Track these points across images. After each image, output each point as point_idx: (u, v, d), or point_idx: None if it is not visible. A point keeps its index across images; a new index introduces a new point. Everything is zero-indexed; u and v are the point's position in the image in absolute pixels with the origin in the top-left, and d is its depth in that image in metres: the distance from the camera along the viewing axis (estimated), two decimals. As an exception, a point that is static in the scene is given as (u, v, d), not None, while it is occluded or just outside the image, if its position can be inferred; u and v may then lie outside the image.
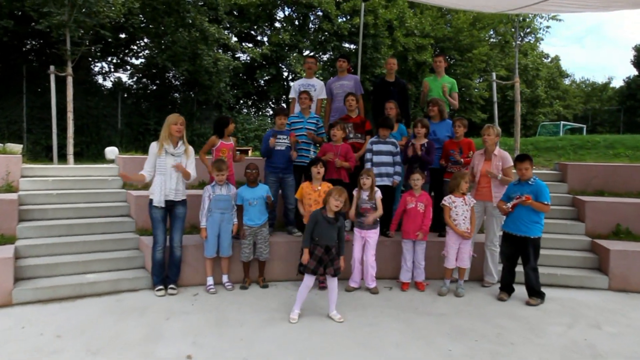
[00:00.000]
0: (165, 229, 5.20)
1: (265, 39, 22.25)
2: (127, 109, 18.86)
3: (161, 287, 5.20)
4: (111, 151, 8.13)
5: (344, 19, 21.63)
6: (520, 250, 5.10)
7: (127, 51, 19.47)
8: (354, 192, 5.51)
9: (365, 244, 5.40)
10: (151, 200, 5.09)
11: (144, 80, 20.10)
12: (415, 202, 5.46)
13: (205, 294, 5.28)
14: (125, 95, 19.28)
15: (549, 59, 38.51)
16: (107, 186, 6.98)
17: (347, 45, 23.86)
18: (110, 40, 14.57)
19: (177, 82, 21.26)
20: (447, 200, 5.44)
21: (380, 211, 5.44)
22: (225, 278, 5.52)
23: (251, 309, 4.82)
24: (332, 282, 4.61)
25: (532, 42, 32.44)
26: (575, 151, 11.11)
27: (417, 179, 5.44)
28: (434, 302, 5.13)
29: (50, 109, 10.15)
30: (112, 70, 20.25)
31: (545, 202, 4.90)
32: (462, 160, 5.99)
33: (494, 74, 11.14)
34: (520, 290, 5.25)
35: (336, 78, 7.24)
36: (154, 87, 20.52)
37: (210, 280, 5.41)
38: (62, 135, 16.45)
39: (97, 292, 5.10)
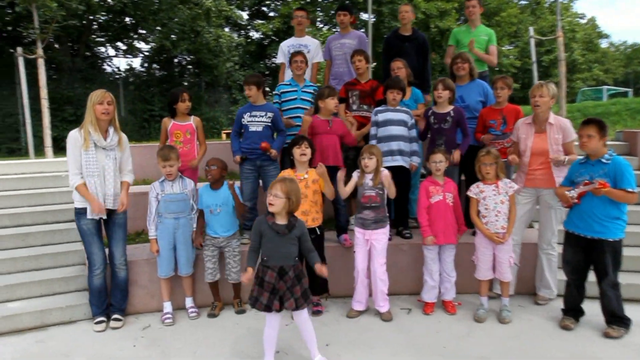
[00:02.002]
0: (102, 244, 3.89)
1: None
2: (130, 95, 17.74)
3: (102, 318, 3.91)
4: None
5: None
6: (592, 259, 3.56)
7: (134, 35, 18.25)
8: (354, 175, 4.06)
9: (371, 249, 3.95)
10: (81, 211, 3.76)
11: (146, 65, 18.95)
12: (443, 193, 3.96)
13: (160, 325, 3.97)
14: (131, 80, 18.19)
15: (585, 20, 35.55)
16: (60, 184, 5.71)
17: (363, 15, 22.04)
18: (101, 21, 13.36)
19: (183, 65, 20.10)
20: (473, 189, 3.94)
21: (392, 193, 3.98)
22: (189, 302, 4.19)
23: (213, 350, 3.49)
24: (300, 317, 3.19)
25: (565, 2, 29.76)
26: (632, 116, 9.27)
27: (440, 161, 3.92)
28: (469, 335, 3.66)
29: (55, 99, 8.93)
30: (119, 55, 19.17)
31: (630, 189, 3.34)
32: (506, 133, 4.43)
33: (531, 29, 9.35)
34: (592, 310, 3.74)
35: (337, 35, 5.71)
36: (158, 72, 19.36)
37: (167, 307, 4.10)
38: (60, 125, 15.63)
39: (17, 328, 3.86)
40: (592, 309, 3.72)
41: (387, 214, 3.99)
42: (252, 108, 4.60)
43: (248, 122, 4.55)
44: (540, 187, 4.02)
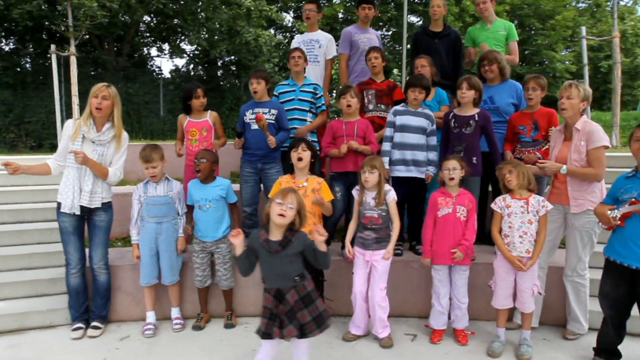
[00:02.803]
0: (80, 244, 3.65)
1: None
2: (170, 95, 18.00)
3: (80, 325, 3.67)
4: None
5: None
6: (638, 294, 2.92)
7: (177, 37, 18.50)
8: (354, 193, 3.61)
9: (372, 271, 3.48)
10: (59, 205, 3.55)
11: (191, 66, 19.21)
12: (453, 206, 3.44)
13: (140, 336, 3.67)
14: (177, 80, 18.47)
15: (652, 24, 33.00)
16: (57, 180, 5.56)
17: (412, 18, 21.41)
18: (145, 22, 13.55)
19: (226, 66, 20.20)
20: (498, 202, 3.38)
21: (396, 229, 3.50)
22: (175, 312, 3.88)
23: (186, 371, 3.14)
24: (298, 347, 2.77)
25: (629, 5, 27.71)
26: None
27: (455, 169, 3.40)
28: (479, 373, 3.12)
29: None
30: (162, 55, 19.54)
31: None
32: (538, 140, 3.85)
33: (583, 29, 8.49)
34: (631, 352, 3.09)
35: (358, 29, 5.25)
36: (199, 72, 19.57)
37: (150, 317, 3.80)
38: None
39: (-5, 330, 3.69)
40: (631, 350, 3.08)
41: (390, 233, 3.50)
42: (255, 105, 4.26)
43: (250, 119, 4.21)
44: (566, 203, 3.41)
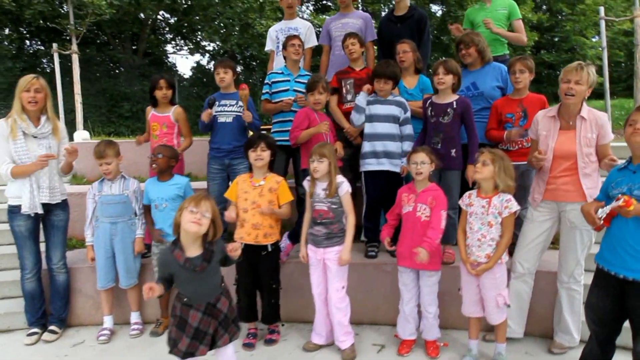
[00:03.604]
0: (36, 247, 3.51)
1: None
2: (185, 92, 18.08)
3: (35, 330, 3.53)
4: (80, 135, 6.74)
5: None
6: (627, 307, 2.51)
7: (196, 33, 18.53)
8: (304, 184, 3.31)
9: (326, 270, 3.19)
10: (14, 209, 3.38)
11: (212, 63, 19.25)
12: (414, 203, 3.10)
13: (94, 342, 3.50)
14: (191, 73, 18.53)
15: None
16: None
17: (434, 6, 20.73)
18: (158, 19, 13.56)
19: (246, 62, 20.16)
20: (464, 198, 3.03)
21: (351, 226, 3.17)
22: (134, 317, 3.69)
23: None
24: (225, 353, 2.56)
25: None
26: None
27: (422, 162, 3.05)
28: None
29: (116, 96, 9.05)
30: (179, 52, 19.64)
31: None
32: (528, 130, 3.45)
33: (601, 9, 7.86)
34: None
35: (337, 15, 4.92)
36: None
37: (107, 322, 3.62)
38: (117, 121, 16.18)
39: (-48, 335, 3.59)
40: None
41: (344, 228, 3.19)
42: (222, 96, 4.02)
43: (217, 112, 3.98)
44: (563, 200, 3.01)
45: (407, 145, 3.73)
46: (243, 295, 3.37)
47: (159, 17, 18.38)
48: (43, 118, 3.39)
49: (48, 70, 15.45)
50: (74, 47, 8.93)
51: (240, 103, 3.95)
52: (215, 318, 2.48)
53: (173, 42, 19.79)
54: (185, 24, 17.29)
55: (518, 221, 3.36)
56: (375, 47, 4.88)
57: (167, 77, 4.13)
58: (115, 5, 11.87)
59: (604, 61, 7.74)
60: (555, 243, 3.43)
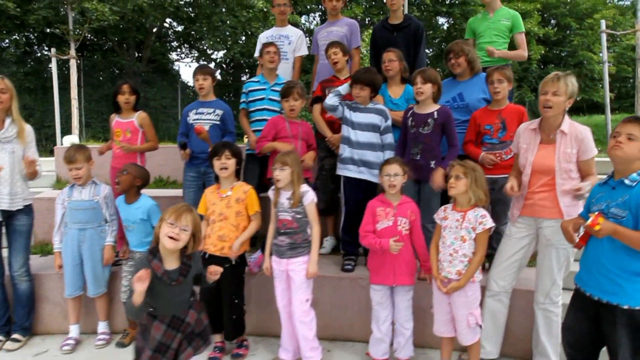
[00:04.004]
0: (-3, 252, 3.43)
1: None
2: (188, 99, 18.10)
3: (-1, 338, 3.45)
4: (69, 140, 6.71)
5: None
6: (603, 332, 2.37)
7: (201, 41, 18.64)
8: (269, 194, 3.21)
9: (290, 282, 3.08)
10: None
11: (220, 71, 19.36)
12: (394, 218, 2.97)
13: (58, 352, 3.40)
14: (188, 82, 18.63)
15: None
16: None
17: (441, 19, 20.75)
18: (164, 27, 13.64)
19: (252, 70, 20.21)
20: (439, 212, 2.92)
21: (316, 236, 3.07)
22: (102, 327, 3.59)
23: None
24: None
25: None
26: None
27: (396, 174, 2.94)
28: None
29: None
30: (182, 60, 19.74)
31: None
32: (506, 142, 3.35)
33: (602, 23, 7.75)
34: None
35: (325, 24, 4.85)
36: (227, 76, 19.64)
37: (73, 331, 3.52)
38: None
39: None
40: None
41: (309, 239, 3.08)
42: (199, 105, 3.96)
43: (194, 120, 3.91)
44: (540, 216, 2.88)
45: (389, 155, 3.61)
46: (206, 308, 3.24)
47: (165, 24, 18.57)
48: (8, 120, 3.33)
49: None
50: (72, 52, 8.96)
51: (217, 111, 3.88)
52: (181, 332, 2.39)
53: (178, 50, 19.93)
54: (192, 32, 17.40)
55: (498, 237, 3.24)
56: (367, 55, 4.81)
57: (131, 82, 4.06)
58: (119, 12, 11.94)
59: (605, 75, 7.62)
60: (534, 261, 3.28)
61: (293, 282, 3.05)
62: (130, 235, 3.39)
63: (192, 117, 3.91)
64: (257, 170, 3.94)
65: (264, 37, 4.86)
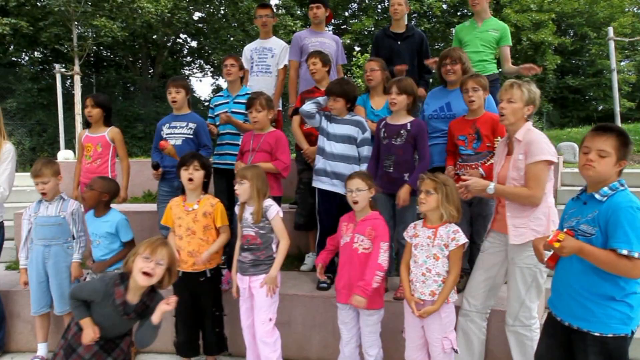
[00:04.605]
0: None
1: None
2: (199, 113, 18.24)
3: (-34, 355, 3.39)
4: (62, 155, 6.74)
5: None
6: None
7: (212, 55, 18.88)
8: (235, 209, 3.10)
9: (253, 301, 2.95)
10: None
11: (215, 83, 19.55)
12: (352, 234, 2.82)
13: (24, 372, 3.33)
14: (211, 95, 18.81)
15: None
16: None
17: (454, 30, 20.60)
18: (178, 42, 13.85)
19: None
20: (409, 230, 2.76)
21: (282, 250, 2.95)
22: (70, 345, 3.50)
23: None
24: None
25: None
26: None
27: (359, 190, 2.78)
28: None
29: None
30: (194, 75, 20.00)
31: (625, 252, 1.91)
32: (481, 153, 3.17)
33: (610, 30, 7.49)
34: None
35: (310, 32, 4.76)
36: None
37: (40, 349, 3.44)
38: (130, 142, 16.43)
39: None
40: None
41: (275, 256, 2.95)
42: (173, 118, 3.90)
43: (167, 134, 3.84)
44: (505, 232, 2.70)
45: (364, 167, 3.48)
46: (182, 328, 3.16)
47: (179, 39, 18.86)
48: None
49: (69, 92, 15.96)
50: (76, 68, 9.10)
51: (190, 125, 3.81)
52: (112, 357, 2.31)
53: (192, 64, 20.19)
54: (206, 47, 17.63)
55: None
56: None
57: (95, 96, 4.00)
58: (128, 28, 12.14)
59: (614, 84, 7.34)
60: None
61: (255, 301, 2.93)
62: (96, 249, 3.29)
63: (165, 131, 3.85)
64: (225, 186, 3.87)
65: (248, 49, 4.81)
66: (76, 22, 9.48)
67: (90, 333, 2.23)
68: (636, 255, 1.90)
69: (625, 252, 1.90)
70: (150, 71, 17.83)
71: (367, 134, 3.54)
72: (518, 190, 2.57)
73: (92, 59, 19.03)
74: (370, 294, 2.64)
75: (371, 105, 3.95)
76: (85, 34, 10.10)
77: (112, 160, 3.93)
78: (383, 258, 2.72)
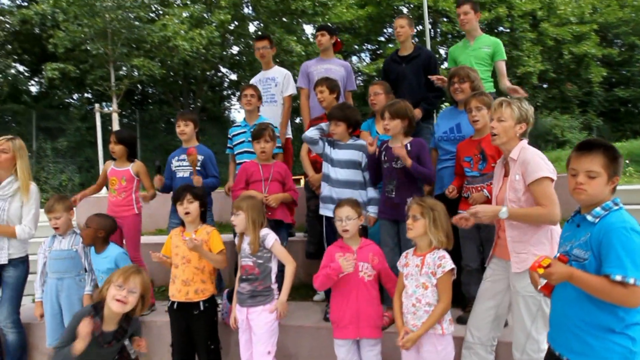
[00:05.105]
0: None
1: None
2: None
3: (-11, 386, 3.53)
4: (105, 190, 7.00)
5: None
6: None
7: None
8: (236, 241, 3.10)
9: (252, 333, 2.91)
10: None
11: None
12: (355, 263, 2.73)
13: (39, 404, 3.42)
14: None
15: None
16: None
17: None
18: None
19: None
20: (401, 259, 2.64)
21: (288, 275, 2.92)
22: (84, 377, 3.57)
23: None
24: None
25: None
26: None
27: (348, 218, 2.72)
28: None
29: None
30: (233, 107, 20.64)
31: (619, 278, 1.72)
32: (487, 174, 3.03)
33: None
34: None
35: (317, 60, 4.82)
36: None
37: (55, 381, 3.53)
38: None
39: None
40: None
41: (273, 287, 2.91)
42: (182, 151, 4.01)
43: (176, 167, 3.96)
44: (507, 259, 2.53)
45: (372, 192, 3.41)
46: (179, 358, 3.15)
47: (220, 73, 19.62)
48: (9, 179, 3.49)
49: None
50: (114, 106, 9.62)
51: (198, 157, 3.89)
52: None
53: (232, 97, 20.89)
54: (245, 79, 18.25)
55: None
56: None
57: (118, 132, 4.11)
58: (166, 66, 12.76)
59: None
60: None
61: (253, 333, 2.89)
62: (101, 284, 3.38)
63: (174, 163, 3.96)
64: None
65: (252, 82, 4.90)
66: (113, 63, 10.09)
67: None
68: (631, 281, 1.72)
69: (618, 277, 1.73)
70: (191, 106, 18.57)
71: None
72: (533, 210, 2.40)
73: (137, 96, 20.15)
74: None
75: (377, 130, 3.89)
76: (122, 73, 10.70)
77: (137, 192, 4.06)
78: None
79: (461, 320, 3.13)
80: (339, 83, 4.30)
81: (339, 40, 4.82)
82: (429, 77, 4.13)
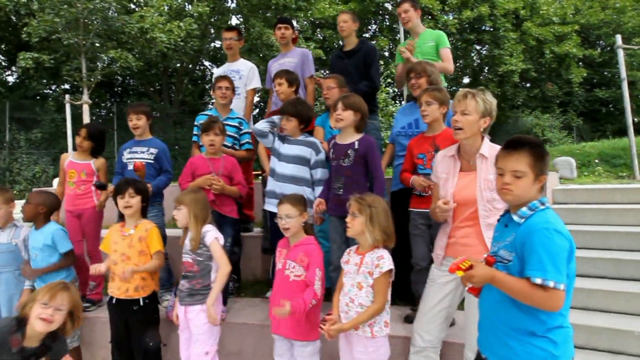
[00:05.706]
0: None
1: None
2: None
3: None
4: (55, 182, 6.87)
5: (450, 16, 18.25)
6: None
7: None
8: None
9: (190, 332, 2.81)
10: None
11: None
12: (284, 260, 2.66)
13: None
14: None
15: None
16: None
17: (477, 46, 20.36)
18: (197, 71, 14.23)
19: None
20: (344, 256, 2.58)
21: (221, 276, 2.81)
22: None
23: None
24: None
25: None
26: None
27: (288, 216, 2.64)
28: None
29: None
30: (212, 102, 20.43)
31: (539, 281, 1.67)
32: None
33: (618, 38, 7.11)
34: None
35: (279, 56, 4.74)
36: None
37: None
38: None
39: None
40: None
41: (210, 285, 2.81)
42: (134, 143, 3.89)
43: (127, 160, 3.83)
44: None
45: (318, 191, 3.33)
46: (118, 356, 3.05)
47: (202, 66, 19.40)
48: None
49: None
50: (85, 97, 9.41)
51: (151, 150, 3.79)
52: None
53: (207, 93, 20.66)
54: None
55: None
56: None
57: (91, 127, 3.99)
58: (143, 58, 12.53)
59: (624, 93, 6.91)
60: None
61: (191, 333, 2.79)
62: (34, 263, 3.27)
63: (126, 155, 3.84)
64: None
65: (216, 73, 4.81)
66: (85, 54, 9.86)
67: None
68: (551, 284, 1.66)
69: (538, 280, 1.68)
70: (172, 98, 18.34)
71: (322, 156, 3.40)
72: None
73: (117, 89, 19.83)
74: (300, 312, 2.45)
75: (330, 124, 3.83)
76: (93, 65, 10.46)
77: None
78: (317, 286, 2.54)
79: (408, 319, 3.09)
80: (298, 76, 4.22)
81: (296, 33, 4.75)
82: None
